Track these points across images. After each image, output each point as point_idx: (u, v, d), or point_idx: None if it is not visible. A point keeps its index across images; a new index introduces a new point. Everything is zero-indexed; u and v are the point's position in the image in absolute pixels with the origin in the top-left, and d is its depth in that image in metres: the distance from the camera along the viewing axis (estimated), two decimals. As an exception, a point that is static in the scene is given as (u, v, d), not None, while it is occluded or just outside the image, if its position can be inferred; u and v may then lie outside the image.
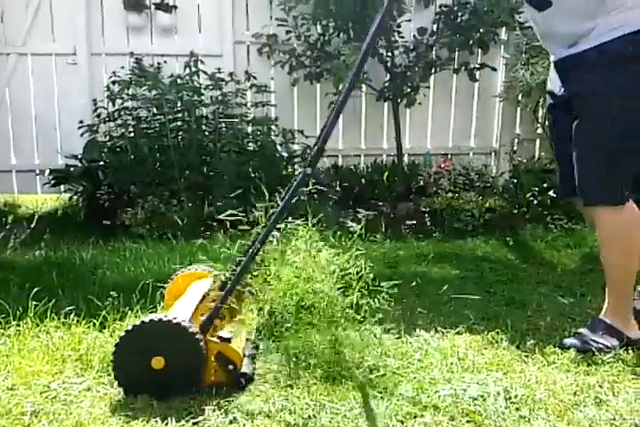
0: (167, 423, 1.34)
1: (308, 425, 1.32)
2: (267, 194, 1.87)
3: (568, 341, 1.77)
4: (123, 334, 1.45)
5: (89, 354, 1.67)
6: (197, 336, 1.43)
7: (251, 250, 1.59)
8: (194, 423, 1.34)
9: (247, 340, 1.72)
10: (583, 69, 1.68)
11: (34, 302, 1.93)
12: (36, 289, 2.00)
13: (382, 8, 1.54)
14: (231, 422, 1.34)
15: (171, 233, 3.04)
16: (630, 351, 1.72)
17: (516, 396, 1.45)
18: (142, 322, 1.44)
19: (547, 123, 1.98)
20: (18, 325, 1.85)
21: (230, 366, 1.47)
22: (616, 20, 1.60)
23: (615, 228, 1.74)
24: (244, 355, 1.60)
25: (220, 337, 1.49)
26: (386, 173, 4.01)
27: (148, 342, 1.43)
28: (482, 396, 1.44)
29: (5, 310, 1.93)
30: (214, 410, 1.39)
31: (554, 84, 1.83)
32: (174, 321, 1.43)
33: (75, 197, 3.67)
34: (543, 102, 3.74)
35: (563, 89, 1.78)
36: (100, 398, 1.44)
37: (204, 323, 1.50)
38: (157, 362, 1.42)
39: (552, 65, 1.85)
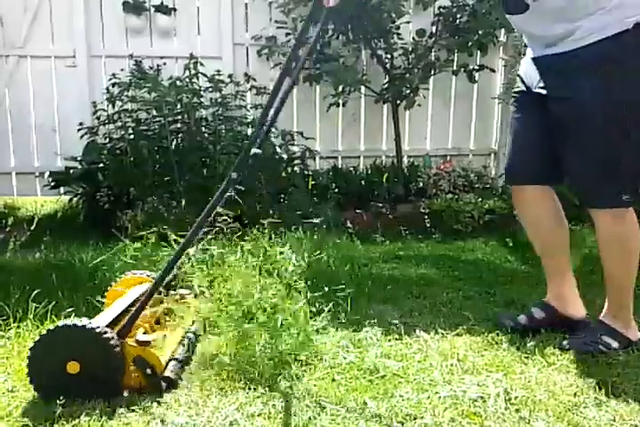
0: (166, 424, 1.34)
1: (309, 427, 1.33)
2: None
3: (568, 342, 1.77)
4: (36, 339, 1.45)
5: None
6: (111, 341, 1.43)
7: (174, 255, 1.59)
8: (194, 425, 1.34)
9: (182, 344, 1.69)
10: (568, 73, 1.64)
11: (34, 304, 1.93)
12: (36, 291, 2.00)
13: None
14: (232, 424, 1.34)
15: (170, 235, 3.04)
16: (630, 352, 1.72)
17: (516, 397, 1.45)
18: (55, 327, 1.44)
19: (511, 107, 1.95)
20: (18, 327, 1.85)
21: (148, 370, 1.47)
22: (598, 22, 1.58)
23: (616, 231, 1.73)
24: (175, 359, 1.59)
25: (137, 341, 1.49)
26: (385, 175, 4.01)
27: (62, 347, 1.43)
28: (482, 397, 1.45)
29: (5, 313, 1.93)
30: (214, 412, 1.39)
31: (531, 78, 1.78)
32: (86, 326, 1.43)
33: (74, 199, 3.66)
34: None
35: (540, 86, 1.74)
36: (101, 401, 1.44)
37: (123, 327, 1.50)
38: (73, 367, 1.43)
39: (529, 58, 1.80)
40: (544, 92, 1.72)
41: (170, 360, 1.58)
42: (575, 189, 1.78)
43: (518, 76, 1.87)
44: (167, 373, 1.52)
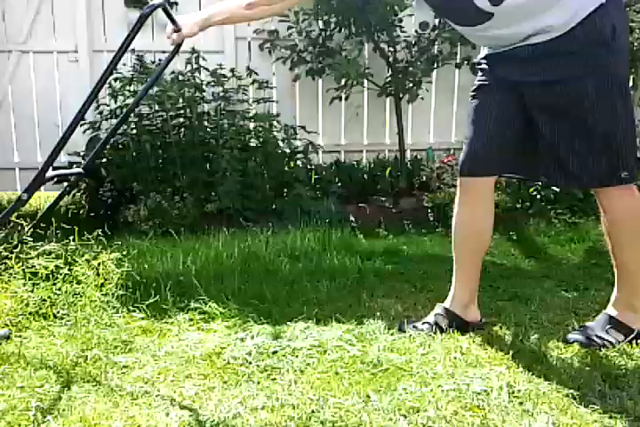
0: (170, 417, 1.34)
1: (312, 420, 1.33)
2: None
3: (572, 336, 1.76)
4: None
5: (93, 350, 1.68)
6: None
7: None
8: (197, 418, 1.34)
9: None
10: (553, 57, 1.60)
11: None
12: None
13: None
14: (235, 417, 1.35)
15: (174, 229, 3.05)
16: (635, 345, 1.71)
17: (519, 390, 1.45)
18: None
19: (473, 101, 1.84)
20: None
21: None
22: (572, 7, 1.55)
23: (624, 210, 1.69)
24: None
25: None
26: (388, 169, 4.00)
27: None
28: (485, 390, 1.44)
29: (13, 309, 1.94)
30: (217, 405, 1.39)
31: (502, 70, 1.72)
32: None
33: (78, 194, 3.67)
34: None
35: (519, 74, 1.68)
36: (105, 395, 1.45)
37: None
38: None
39: (492, 53, 1.74)
40: (526, 79, 1.67)
41: None
42: (573, 174, 1.70)
43: (481, 69, 1.82)
44: None
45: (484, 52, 1.82)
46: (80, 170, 1.59)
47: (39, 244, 2.18)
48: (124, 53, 1.55)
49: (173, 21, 1.62)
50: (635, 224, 1.70)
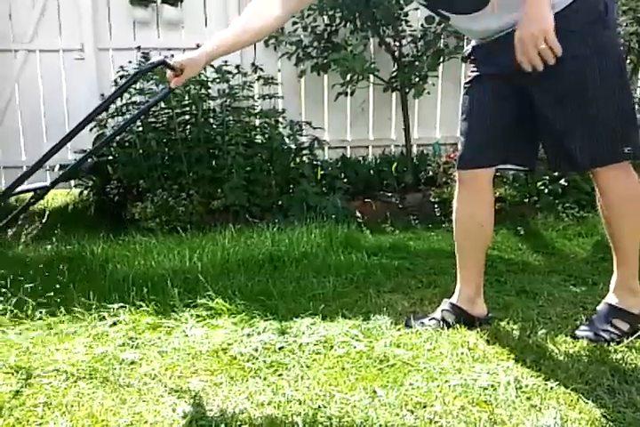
0: (177, 411, 1.34)
1: (318, 415, 1.33)
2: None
3: (580, 333, 1.74)
4: None
5: (100, 347, 1.68)
6: None
7: None
8: (204, 413, 1.35)
9: None
10: (565, 35, 1.54)
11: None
12: (47, 284, 2.02)
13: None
14: (241, 413, 1.35)
15: (180, 226, 3.06)
16: (643, 339, 1.70)
17: (526, 385, 1.44)
18: None
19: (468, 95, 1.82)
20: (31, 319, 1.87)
21: None
22: None
23: (626, 190, 1.67)
24: None
25: None
26: (394, 164, 3.99)
27: None
28: (492, 385, 1.44)
29: (18, 306, 1.95)
30: (224, 401, 1.40)
31: (501, 56, 1.66)
32: None
33: (85, 191, 3.69)
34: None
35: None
36: (112, 391, 1.46)
37: None
38: None
39: (484, 42, 1.72)
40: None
41: None
42: (575, 157, 1.67)
43: (472, 61, 1.79)
44: None
45: (472, 42, 1.80)
46: (46, 184, 1.58)
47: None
48: (115, 99, 1.56)
49: (173, 69, 1.63)
50: (632, 208, 1.68)
